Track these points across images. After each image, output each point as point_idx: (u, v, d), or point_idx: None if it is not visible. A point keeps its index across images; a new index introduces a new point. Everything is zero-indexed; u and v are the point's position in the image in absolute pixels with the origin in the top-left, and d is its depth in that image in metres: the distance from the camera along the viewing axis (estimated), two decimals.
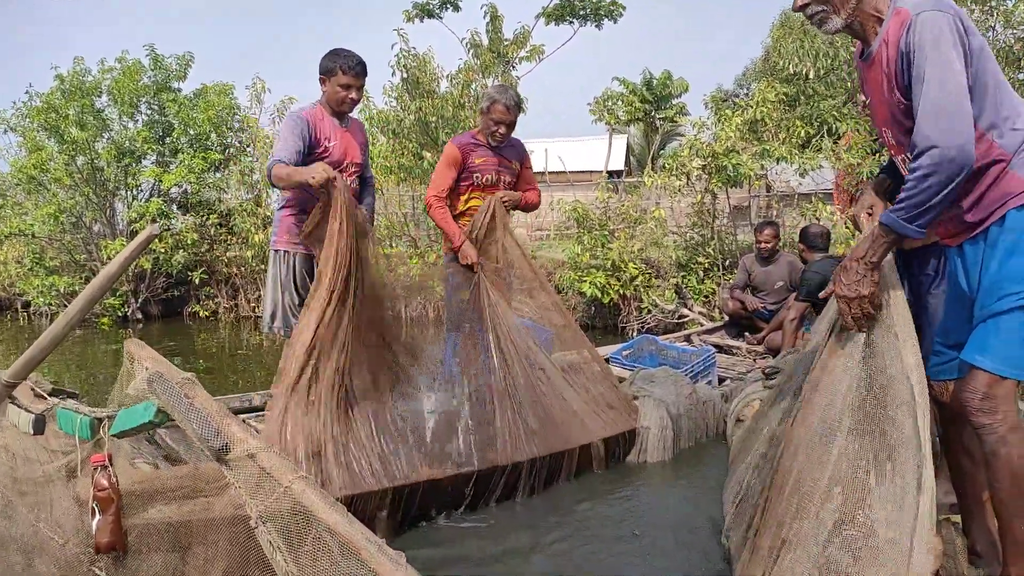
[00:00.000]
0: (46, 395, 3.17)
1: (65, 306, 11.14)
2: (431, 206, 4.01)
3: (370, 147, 11.38)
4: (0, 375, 2.41)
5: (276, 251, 3.77)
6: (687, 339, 6.39)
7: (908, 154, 2.06)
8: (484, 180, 4.04)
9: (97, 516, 2.00)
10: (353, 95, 3.66)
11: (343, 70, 3.58)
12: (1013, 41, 7.34)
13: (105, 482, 2.04)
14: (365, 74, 3.69)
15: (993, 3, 7.48)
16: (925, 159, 1.83)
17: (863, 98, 3.23)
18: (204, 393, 1.95)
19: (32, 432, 2.79)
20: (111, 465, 2.12)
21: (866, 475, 1.88)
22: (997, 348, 1.91)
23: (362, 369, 3.25)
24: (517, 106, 3.97)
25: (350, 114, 3.82)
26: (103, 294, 2.15)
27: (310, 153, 3.59)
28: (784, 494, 2.14)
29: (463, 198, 4.05)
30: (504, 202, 4.01)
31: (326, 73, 3.63)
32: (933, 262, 2.92)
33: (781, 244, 7.80)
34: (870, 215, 2.27)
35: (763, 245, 6.17)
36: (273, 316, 3.78)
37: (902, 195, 1.92)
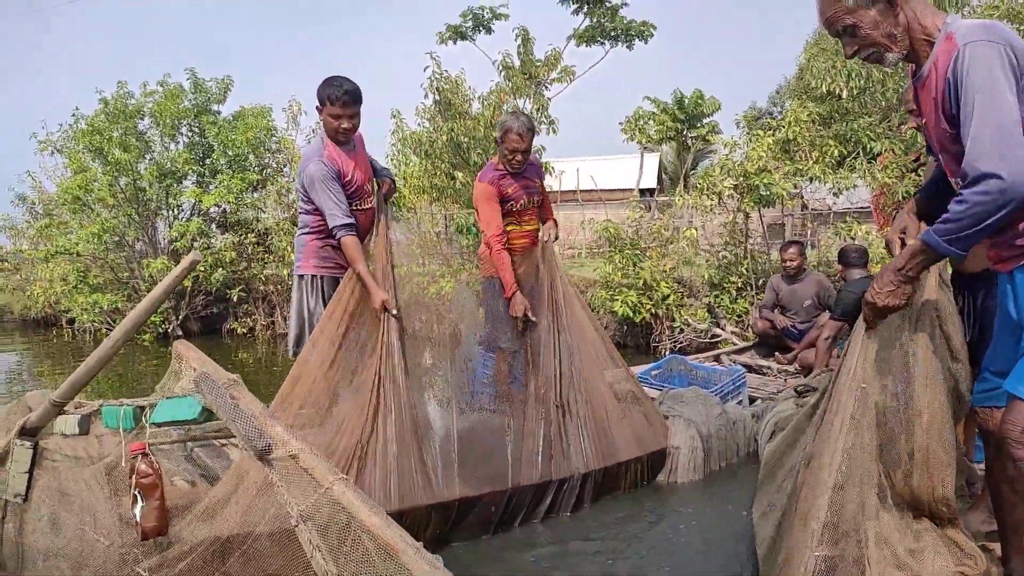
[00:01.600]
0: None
1: (108, 323, 11.54)
2: (492, 248, 3.96)
3: (403, 168, 11.54)
4: (48, 395, 2.49)
5: (302, 276, 3.71)
6: (716, 359, 6.37)
7: (958, 179, 2.00)
8: (519, 206, 4.12)
9: (140, 503, 2.03)
10: (345, 124, 3.50)
11: (331, 100, 3.45)
12: None
13: (147, 468, 2.06)
14: (357, 102, 3.52)
15: None
16: (981, 186, 1.77)
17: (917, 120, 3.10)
18: (248, 394, 1.98)
19: (78, 431, 2.90)
20: (151, 453, 2.15)
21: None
22: None
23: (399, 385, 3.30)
24: (530, 131, 3.93)
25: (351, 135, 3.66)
26: (148, 317, 2.22)
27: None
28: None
29: None
30: (546, 242, 4.00)
31: (320, 103, 3.50)
32: (995, 289, 2.87)
33: (815, 263, 7.73)
34: (902, 238, 2.22)
35: (788, 264, 6.17)
36: (298, 340, 3.69)
37: (948, 215, 1.86)
